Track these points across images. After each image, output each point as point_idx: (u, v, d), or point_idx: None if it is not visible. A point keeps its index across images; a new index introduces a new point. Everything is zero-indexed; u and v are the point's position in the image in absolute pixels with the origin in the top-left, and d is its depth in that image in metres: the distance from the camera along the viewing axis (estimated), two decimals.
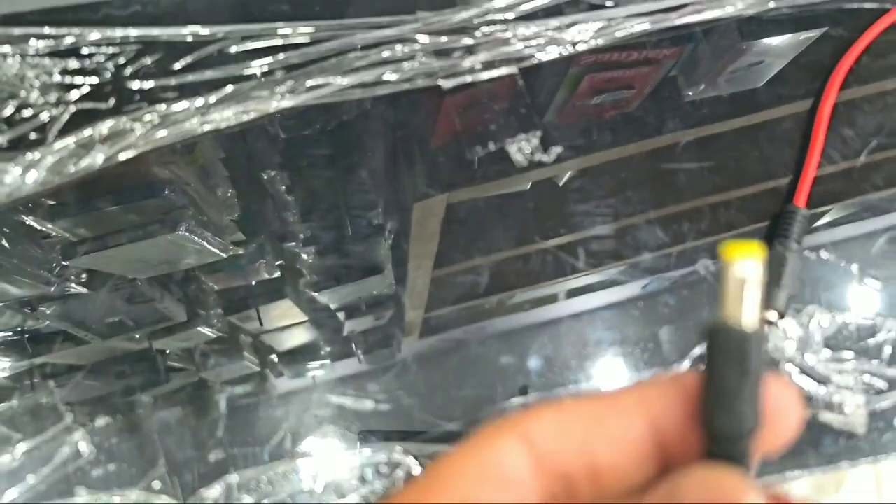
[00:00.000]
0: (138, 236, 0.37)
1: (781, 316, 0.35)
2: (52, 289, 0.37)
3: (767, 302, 0.34)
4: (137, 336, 0.37)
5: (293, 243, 0.38)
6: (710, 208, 0.37)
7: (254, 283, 0.38)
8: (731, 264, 0.14)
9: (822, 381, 0.35)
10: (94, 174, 0.36)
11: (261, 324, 0.38)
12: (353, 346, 0.38)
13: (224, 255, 0.37)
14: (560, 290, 0.37)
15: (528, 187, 0.37)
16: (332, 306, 0.41)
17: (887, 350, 0.35)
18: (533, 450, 0.15)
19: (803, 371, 0.35)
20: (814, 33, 0.40)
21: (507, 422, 0.15)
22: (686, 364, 0.35)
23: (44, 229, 0.37)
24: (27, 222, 0.37)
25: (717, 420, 0.15)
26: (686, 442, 0.15)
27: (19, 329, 0.37)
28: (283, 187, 0.39)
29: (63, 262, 0.37)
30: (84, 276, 0.38)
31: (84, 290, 0.37)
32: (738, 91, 0.40)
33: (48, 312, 0.37)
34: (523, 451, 0.15)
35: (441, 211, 0.38)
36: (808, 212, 0.36)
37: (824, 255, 0.37)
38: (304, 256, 0.38)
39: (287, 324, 0.39)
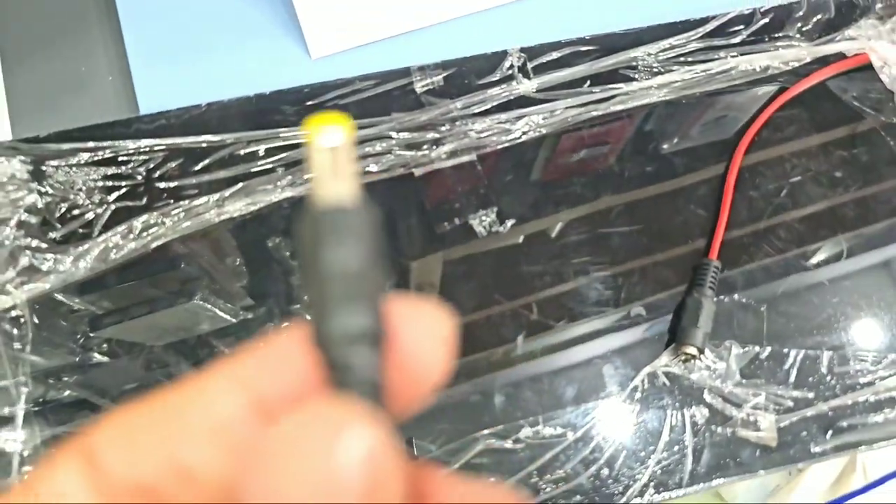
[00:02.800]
0: (159, 307, 0.42)
1: (701, 351, 0.42)
2: (77, 359, 0.40)
3: (686, 339, 0.41)
4: None
5: (299, 305, 0.42)
6: (641, 265, 0.45)
7: None
8: (315, 137, 0.12)
9: (739, 403, 0.41)
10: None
11: None
12: None
13: (235, 320, 0.42)
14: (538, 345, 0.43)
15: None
16: None
17: (793, 374, 0.42)
18: (93, 466, 0.12)
19: (723, 397, 0.41)
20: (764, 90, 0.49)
21: (73, 440, 0.12)
22: (625, 394, 0.42)
23: (72, 303, 0.42)
24: (57, 297, 0.41)
25: (324, 321, 0.12)
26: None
27: (41, 400, 0.39)
28: (288, 253, 0.43)
29: (89, 333, 0.41)
30: (106, 345, 0.41)
31: (105, 359, 0.41)
32: (663, 160, 0.47)
33: (70, 381, 0.40)
34: (80, 469, 0.12)
35: (437, 269, 0.43)
36: (720, 263, 0.44)
37: (738, 297, 0.44)
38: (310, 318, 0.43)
39: None
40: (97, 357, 0.41)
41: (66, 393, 0.40)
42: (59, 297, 0.42)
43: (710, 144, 0.48)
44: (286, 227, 0.44)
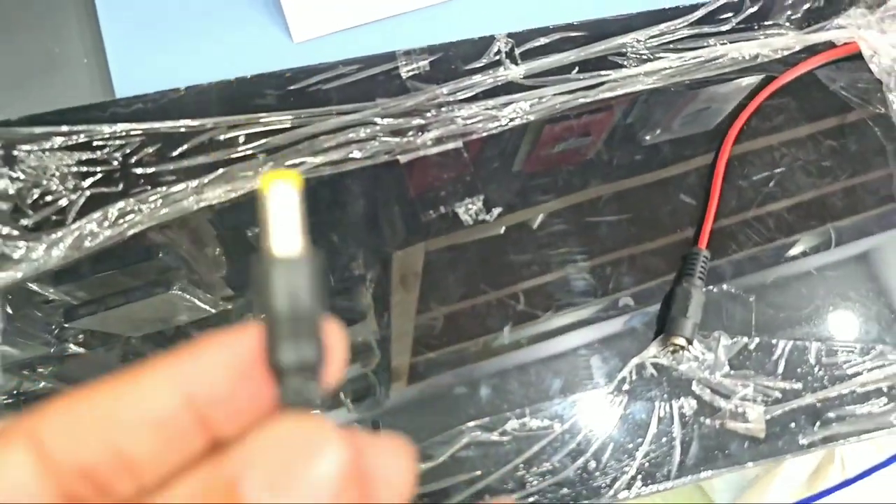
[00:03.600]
0: (136, 297, 0.41)
1: (690, 342, 0.41)
2: (52, 350, 0.39)
3: (675, 329, 0.41)
4: None
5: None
6: (629, 255, 0.44)
7: None
8: (268, 191, 0.14)
9: (728, 395, 0.41)
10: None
11: None
12: (342, 395, 0.40)
13: (214, 311, 0.41)
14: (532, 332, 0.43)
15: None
16: None
17: (781, 365, 0.42)
18: (40, 450, 0.13)
19: (711, 388, 0.41)
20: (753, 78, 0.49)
21: (16, 423, 0.13)
22: (613, 385, 0.41)
23: (46, 294, 0.40)
24: (31, 287, 0.40)
25: (277, 352, 0.14)
26: (237, 408, 0.14)
27: (15, 392, 0.38)
28: None
29: (64, 324, 0.40)
30: (81, 336, 0.40)
31: (81, 350, 0.40)
32: (651, 148, 0.47)
33: (45, 373, 0.39)
34: (28, 452, 0.13)
35: (420, 258, 0.43)
36: (709, 253, 0.43)
37: (726, 287, 0.44)
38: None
39: None
40: (73, 348, 0.40)
41: (41, 385, 0.39)
42: (34, 286, 0.41)
43: (699, 133, 0.47)
44: None
